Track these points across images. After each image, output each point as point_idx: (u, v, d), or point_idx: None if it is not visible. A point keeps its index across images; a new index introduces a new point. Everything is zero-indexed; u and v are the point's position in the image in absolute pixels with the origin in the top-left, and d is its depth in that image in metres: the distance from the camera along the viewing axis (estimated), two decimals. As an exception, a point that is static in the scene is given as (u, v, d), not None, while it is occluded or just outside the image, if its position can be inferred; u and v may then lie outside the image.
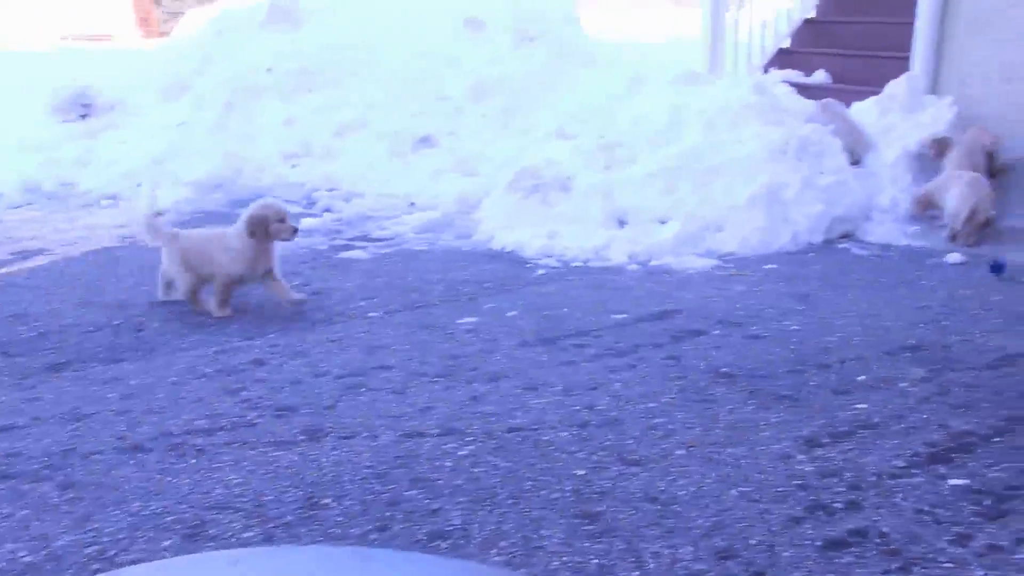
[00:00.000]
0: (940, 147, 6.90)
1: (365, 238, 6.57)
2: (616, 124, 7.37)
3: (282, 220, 4.97)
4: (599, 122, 7.54)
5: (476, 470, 3.35)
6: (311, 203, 7.49)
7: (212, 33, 9.62)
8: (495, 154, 7.67)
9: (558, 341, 4.62)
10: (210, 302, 5.08)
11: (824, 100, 7.66)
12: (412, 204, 7.33)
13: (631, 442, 3.55)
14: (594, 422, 3.72)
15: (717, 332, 4.75)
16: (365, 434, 3.63)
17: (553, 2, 10.18)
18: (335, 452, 3.49)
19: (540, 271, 5.78)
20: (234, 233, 4.98)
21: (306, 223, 6.84)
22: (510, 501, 3.15)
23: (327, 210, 7.30)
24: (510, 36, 9.30)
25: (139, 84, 9.78)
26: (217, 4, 10.28)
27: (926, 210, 6.77)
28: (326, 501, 3.15)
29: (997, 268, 5.84)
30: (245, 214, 4.99)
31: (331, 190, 7.80)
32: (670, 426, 3.68)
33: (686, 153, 6.71)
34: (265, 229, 4.93)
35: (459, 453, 3.47)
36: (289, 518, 3.05)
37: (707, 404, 3.88)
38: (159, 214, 5.17)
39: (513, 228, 6.27)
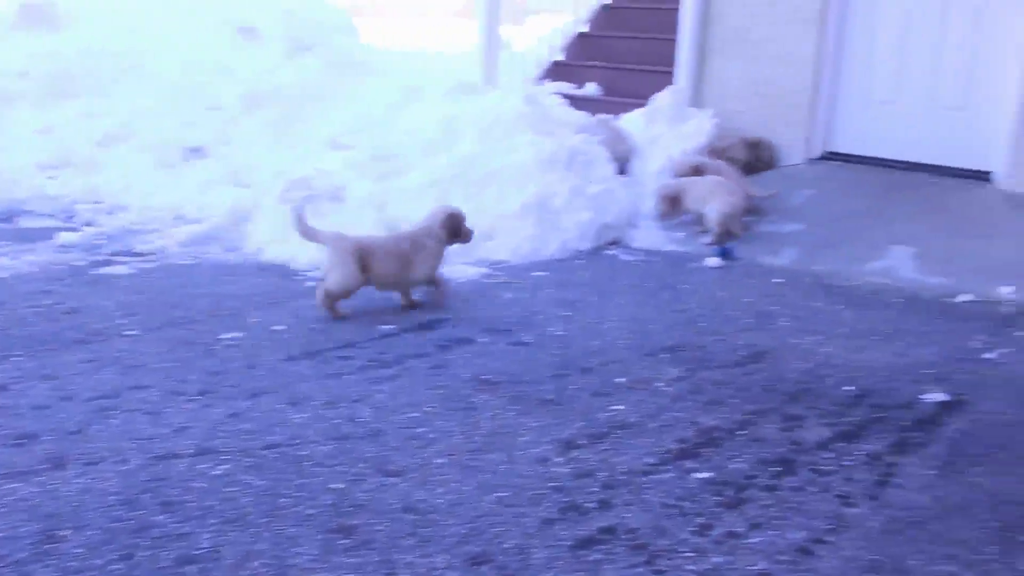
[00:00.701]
0: (697, 172, 7.16)
1: (127, 253, 6.24)
2: (391, 134, 7.33)
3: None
4: (375, 132, 7.48)
5: (230, 490, 3.24)
6: (70, 216, 7.06)
7: (-46, 34, 8.94)
8: (269, 165, 7.45)
9: (323, 354, 4.54)
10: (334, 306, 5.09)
11: (597, 116, 7.93)
12: (178, 216, 7.03)
13: (391, 452, 3.53)
14: (355, 434, 3.67)
15: (484, 340, 4.80)
16: (113, 459, 3.44)
17: (329, 11, 10.07)
18: (79, 480, 3.29)
19: (310, 284, 5.64)
20: (426, 234, 5.20)
21: (64, 238, 6.45)
22: (264, 520, 3.06)
23: (88, 224, 6.90)
24: (285, 45, 9.11)
25: None
26: (-41, 2, 9.54)
27: (671, 208, 6.88)
28: (65, 533, 2.96)
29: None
30: (433, 214, 5.27)
31: (94, 203, 7.37)
32: (431, 435, 3.68)
33: (460, 163, 6.76)
34: (458, 229, 5.25)
35: (213, 473, 3.35)
36: (21, 555, 2.84)
37: (469, 412, 3.91)
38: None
39: (283, 240, 6.09)
